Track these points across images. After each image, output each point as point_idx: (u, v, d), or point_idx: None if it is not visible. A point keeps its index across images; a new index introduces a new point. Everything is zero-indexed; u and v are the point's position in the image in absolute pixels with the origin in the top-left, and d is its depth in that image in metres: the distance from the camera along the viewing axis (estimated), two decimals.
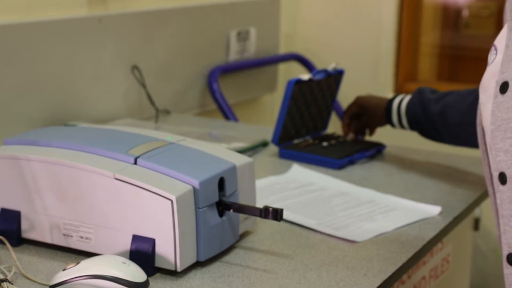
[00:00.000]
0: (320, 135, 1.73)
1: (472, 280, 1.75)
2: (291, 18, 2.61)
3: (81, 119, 1.75)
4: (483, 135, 0.99)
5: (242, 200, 1.10)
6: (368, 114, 1.61)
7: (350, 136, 1.66)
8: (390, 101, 1.54)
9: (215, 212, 1.05)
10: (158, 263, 1.01)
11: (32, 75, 1.64)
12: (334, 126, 2.33)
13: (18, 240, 1.09)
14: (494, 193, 1.00)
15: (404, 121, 1.51)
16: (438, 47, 2.72)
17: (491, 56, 0.98)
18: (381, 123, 1.59)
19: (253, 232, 1.18)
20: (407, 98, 1.51)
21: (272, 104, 2.53)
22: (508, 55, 0.93)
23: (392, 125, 1.55)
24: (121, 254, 1.01)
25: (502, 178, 0.92)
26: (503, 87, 0.91)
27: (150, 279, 0.98)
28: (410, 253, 1.13)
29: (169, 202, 0.98)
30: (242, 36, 2.28)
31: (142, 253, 1.00)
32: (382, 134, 1.68)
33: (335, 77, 1.72)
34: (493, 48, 0.98)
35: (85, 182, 1.03)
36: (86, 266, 0.96)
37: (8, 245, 1.05)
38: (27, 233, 1.09)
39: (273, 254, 1.10)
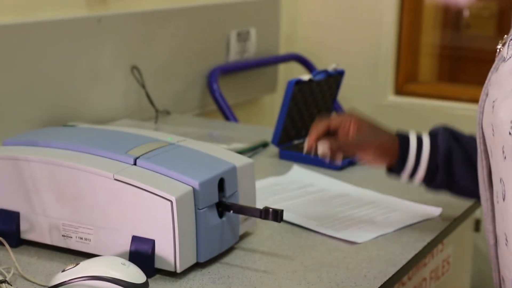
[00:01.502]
0: None
1: (472, 281, 1.74)
2: (291, 19, 2.61)
3: (81, 120, 1.75)
4: (482, 136, 0.96)
5: (242, 201, 1.10)
6: (365, 134, 1.17)
7: (322, 149, 1.14)
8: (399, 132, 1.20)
9: (215, 213, 1.05)
10: (157, 264, 1.00)
11: (31, 75, 1.64)
12: None
13: (17, 241, 1.09)
14: (491, 198, 0.97)
15: (426, 151, 1.17)
16: (438, 48, 2.72)
17: (508, 51, 0.93)
18: (383, 150, 1.18)
19: (253, 233, 1.18)
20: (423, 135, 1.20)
21: (272, 104, 2.52)
22: None
23: (403, 158, 1.17)
24: (120, 255, 1.00)
25: None
26: None
27: (149, 280, 0.98)
28: (410, 255, 1.13)
29: (169, 203, 0.98)
30: (242, 37, 2.28)
31: (142, 254, 1.00)
32: None
33: (335, 78, 1.72)
34: (511, 43, 0.93)
35: (85, 183, 1.03)
36: (85, 267, 0.95)
37: (7, 246, 1.04)
38: (26, 234, 1.09)
39: (273, 255, 1.10)
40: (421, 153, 1.16)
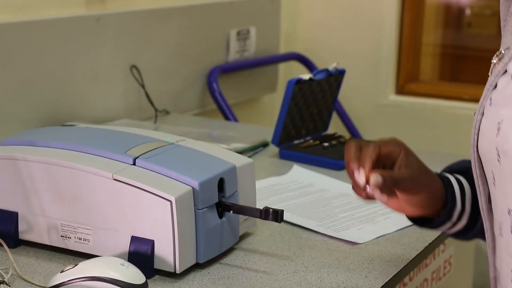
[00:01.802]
0: (321, 135, 1.72)
1: (474, 282, 1.74)
2: (291, 17, 2.60)
3: (79, 119, 1.74)
4: (479, 160, 0.86)
5: (242, 201, 1.09)
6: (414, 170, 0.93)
7: (376, 180, 0.89)
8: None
9: (214, 213, 1.04)
10: (157, 265, 1.00)
11: (29, 74, 1.63)
12: (335, 126, 2.33)
13: (15, 241, 1.09)
14: (491, 228, 0.87)
15: (468, 193, 0.96)
16: (440, 47, 2.71)
17: None
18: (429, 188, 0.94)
19: (253, 233, 1.17)
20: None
21: (272, 104, 2.52)
22: None
23: (452, 206, 0.95)
24: (119, 256, 1.00)
25: None
26: None
27: (149, 281, 0.97)
28: (411, 255, 1.12)
29: (168, 203, 0.97)
30: (242, 36, 2.27)
31: (141, 254, 0.99)
32: (382, 135, 1.66)
33: (336, 77, 1.71)
34: None
35: (83, 183, 1.02)
36: (84, 268, 0.95)
37: (5, 246, 1.04)
38: (24, 235, 1.08)
39: (273, 255, 1.10)
40: (465, 196, 0.95)
